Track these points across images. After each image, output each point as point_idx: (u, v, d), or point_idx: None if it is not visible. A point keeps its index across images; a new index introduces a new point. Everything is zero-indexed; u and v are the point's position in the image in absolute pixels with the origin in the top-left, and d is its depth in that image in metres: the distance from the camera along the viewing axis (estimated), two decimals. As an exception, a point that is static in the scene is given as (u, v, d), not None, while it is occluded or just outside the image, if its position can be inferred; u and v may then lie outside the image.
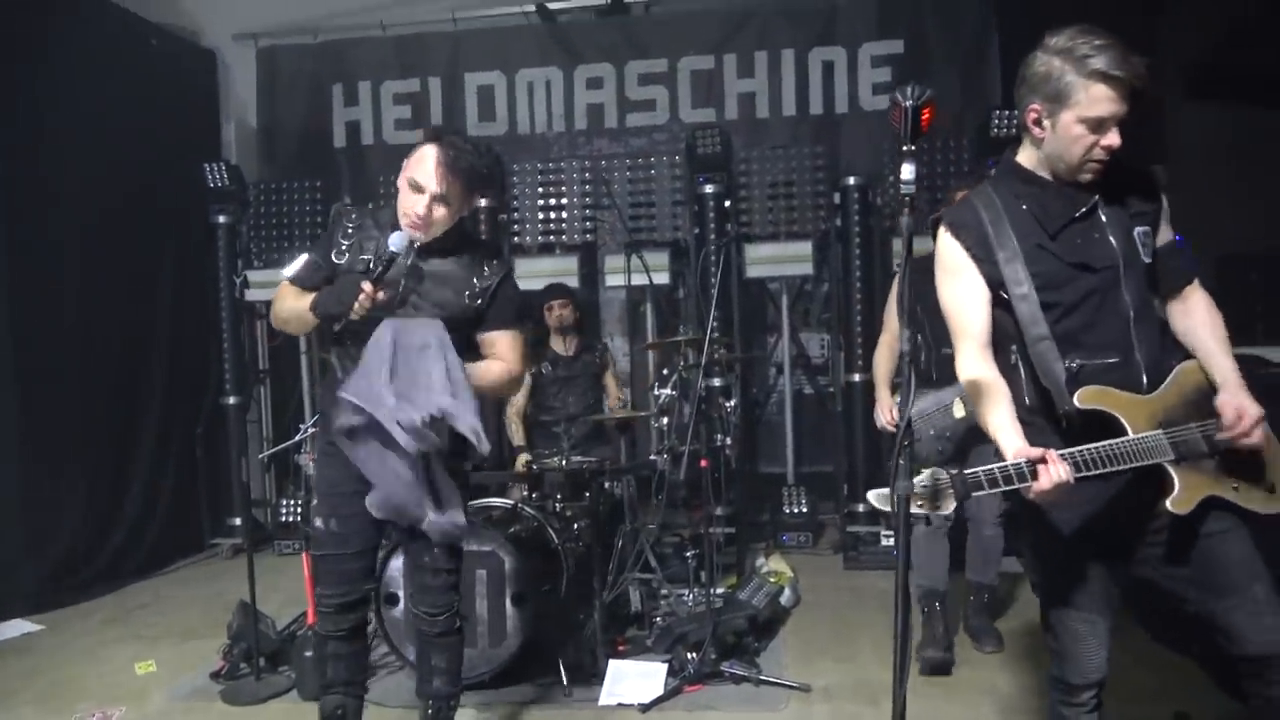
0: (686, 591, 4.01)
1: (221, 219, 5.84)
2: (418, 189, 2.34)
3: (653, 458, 3.95)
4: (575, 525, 3.95)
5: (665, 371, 4.18)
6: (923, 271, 3.35)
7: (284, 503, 5.77)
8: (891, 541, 4.28)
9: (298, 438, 3.66)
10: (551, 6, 6.41)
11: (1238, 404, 1.90)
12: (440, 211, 2.36)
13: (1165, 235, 2.02)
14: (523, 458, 4.59)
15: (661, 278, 5.49)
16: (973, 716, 3.11)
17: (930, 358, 3.40)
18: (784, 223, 5.48)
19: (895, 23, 6.06)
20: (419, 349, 2.33)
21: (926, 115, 1.60)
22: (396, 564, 3.28)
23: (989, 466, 1.76)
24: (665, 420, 4.03)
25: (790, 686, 3.32)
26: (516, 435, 4.79)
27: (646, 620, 3.87)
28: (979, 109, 5.48)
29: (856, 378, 5.24)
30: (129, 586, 5.09)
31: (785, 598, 4.18)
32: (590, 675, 3.42)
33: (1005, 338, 1.98)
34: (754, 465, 5.92)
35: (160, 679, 3.69)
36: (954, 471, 1.73)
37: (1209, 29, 5.54)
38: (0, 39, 4.62)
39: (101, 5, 5.33)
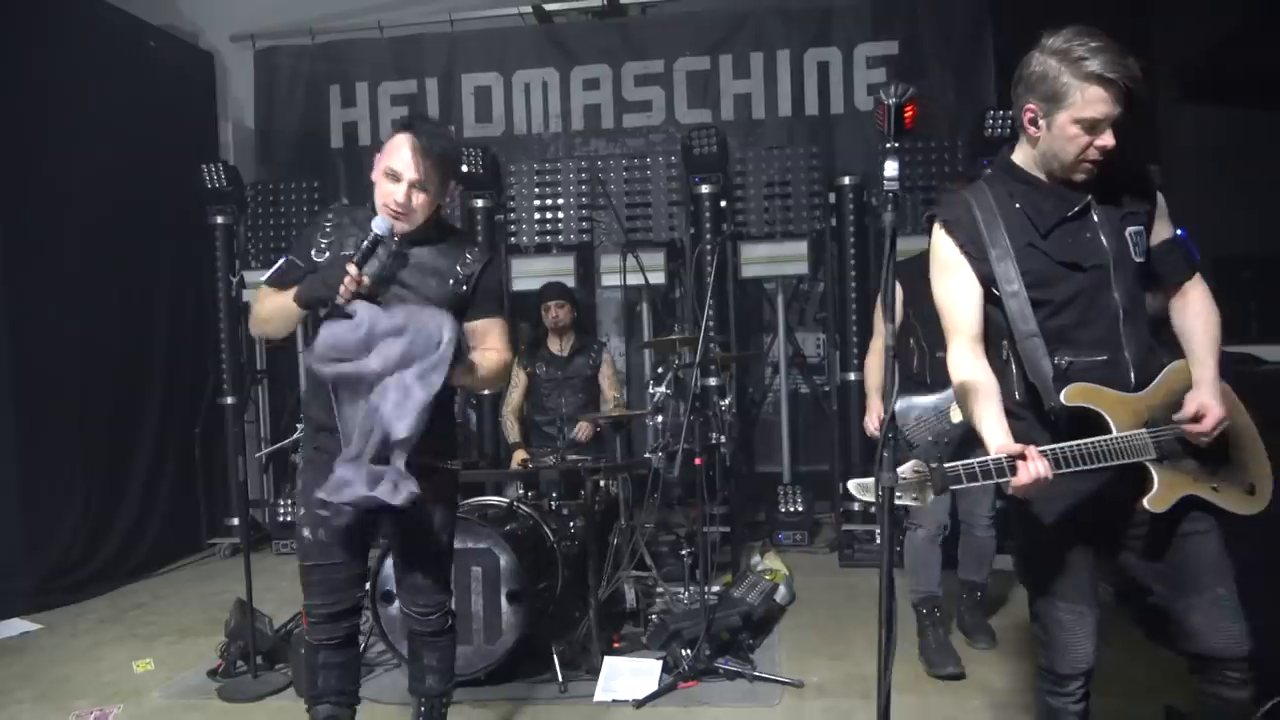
0: (682, 589, 4.04)
1: (219, 220, 5.85)
2: (395, 177, 2.33)
3: (647, 456, 3.96)
4: (571, 523, 3.97)
5: (660, 370, 4.20)
6: (918, 275, 3.39)
7: (281, 502, 5.79)
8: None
9: (295, 437, 3.67)
10: (548, 8, 6.44)
11: (1201, 401, 1.93)
12: (420, 198, 2.35)
13: (1164, 232, 2.04)
14: (519, 455, 4.62)
15: (657, 278, 5.52)
16: (966, 712, 3.13)
17: (925, 361, 3.41)
18: (779, 222, 5.50)
19: (890, 24, 6.10)
20: (394, 334, 2.23)
21: (910, 113, 1.62)
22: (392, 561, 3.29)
23: (969, 461, 1.80)
24: (660, 419, 4.05)
25: (784, 682, 3.35)
26: (512, 433, 4.81)
27: (642, 617, 3.89)
28: (974, 109, 5.50)
29: (852, 377, 5.26)
30: (127, 586, 5.11)
31: (780, 595, 4.21)
32: (585, 672, 3.44)
33: (997, 334, 2.01)
34: (750, 465, 5.93)
35: (158, 677, 3.70)
36: (934, 465, 1.76)
37: (1202, 31, 5.56)
38: (-2, 40, 4.65)
39: (99, 7, 5.35)
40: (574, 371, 4.78)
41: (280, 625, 3.75)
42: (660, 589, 4.11)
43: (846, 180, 5.33)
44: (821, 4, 6.20)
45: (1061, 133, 1.86)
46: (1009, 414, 1.93)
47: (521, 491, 4.26)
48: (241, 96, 6.75)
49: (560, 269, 5.53)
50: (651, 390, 4.11)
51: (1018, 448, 1.80)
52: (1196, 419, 1.92)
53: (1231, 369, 2.08)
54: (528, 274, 5.62)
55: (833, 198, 5.38)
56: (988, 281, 1.97)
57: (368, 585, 3.03)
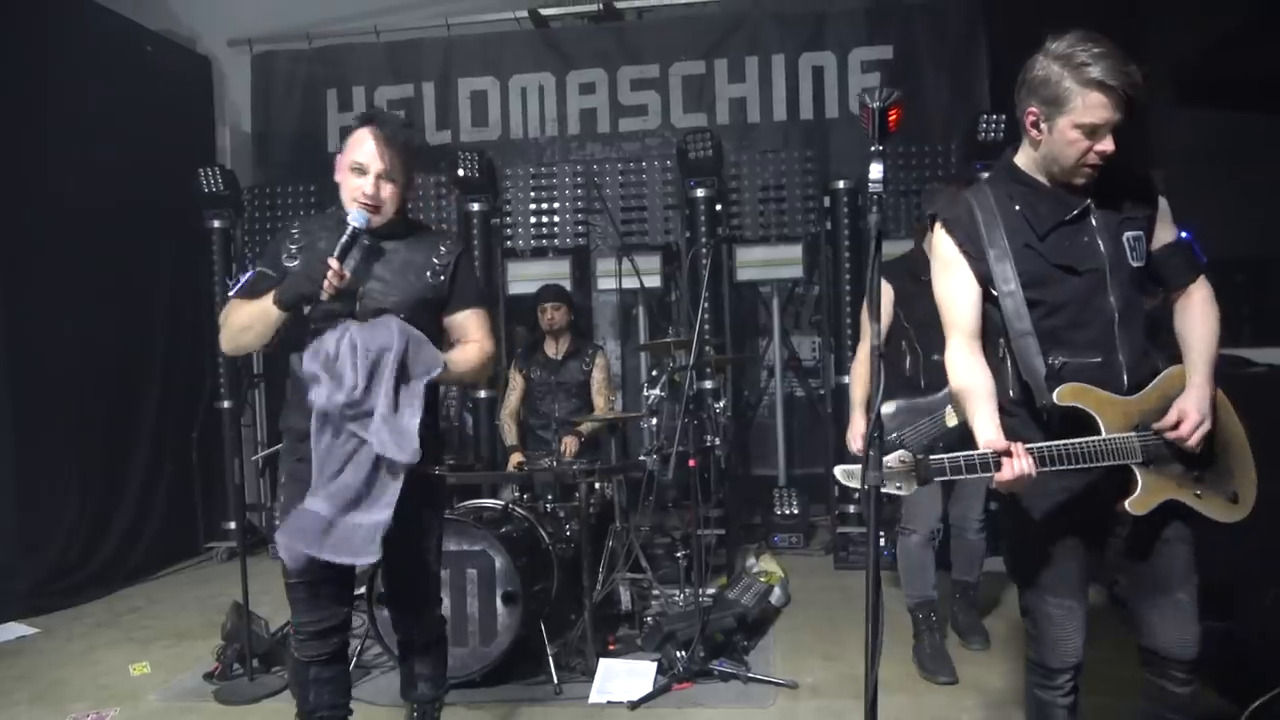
0: (677, 592, 4.05)
1: (216, 223, 5.87)
2: (361, 170, 2.32)
3: (642, 459, 3.97)
4: (566, 526, 3.98)
5: (655, 373, 4.21)
6: (907, 278, 3.40)
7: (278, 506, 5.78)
8: (883, 542, 4.31)
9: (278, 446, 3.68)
10: (544, 12, 6.46)
11: (1181, 408, 1.96)
12: (388, 188, 2.34)
13: (1166, 236, 2.06)
14: (515, 458, 4.63)
15: (653, 281, 5.54)
16: (959, 712, 3.14)
17: (919, 364, 3.42)
18: (774, 226, 5.53)
19: (884, 28, 6.12)
20: (380, 355, 2.25)
21: (894, 116, 1.65)
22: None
23: (954, 454, 1.83)
24: (654, 421, 4.06)
25: (778, 683, 3.36)
26: (509, 436, 4.82)
27: (637, 619, 3.91)
28: (967, 113, 5.52)
29: (847, 380, 5.23)
30: (124, 589, 5.11)
31: (775, 597, 4.22)
32: (580, 673, 3.46)
33: (995, 332, 2.04)
34: (746, 467, 5.96)
35: (154, 680, 3.71)
36: (920, 456, 1.79)
37: (1195, 34, 5.58)
38: (-4, 45, 4.67)
39: (98, 12, 5.37)
40: (566, 376, 4.77)
41: (276, 628, 3.76)
42: (655, 591, 4.12)
43: (841, 184, 5.36)
44: (816, 8, 6.22)
45: (1062, 137, 1.89)
46: (1003, 411, 1.96)
47: (517, 494, 4.28)
48: (239, 101, 6.77)
49: (556, 272, 5.55)
50: (646, 393, 4.12)
51: (1005, 444, 1.83)
52: (1176, 425, 1.95)
53: (1223, 371, 2.09)
54: (524, 277, 5.64)
55: (827, 201, 5.40)
56: (985, 280, 2.00)
57: (357, 593, 3.03)
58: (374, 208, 2.33)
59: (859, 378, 3.58)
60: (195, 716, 3.37)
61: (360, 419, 2.22)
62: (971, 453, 1.84)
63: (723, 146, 5.48)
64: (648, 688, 3.30)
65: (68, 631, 4.43)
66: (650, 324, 5.89)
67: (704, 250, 4.93)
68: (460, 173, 5.49)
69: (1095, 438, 1.90)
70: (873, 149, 1.68)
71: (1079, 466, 1.89)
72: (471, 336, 2.49)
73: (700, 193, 5.35)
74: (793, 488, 5.53)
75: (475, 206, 5.68)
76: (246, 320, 2.36)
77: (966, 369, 1.99)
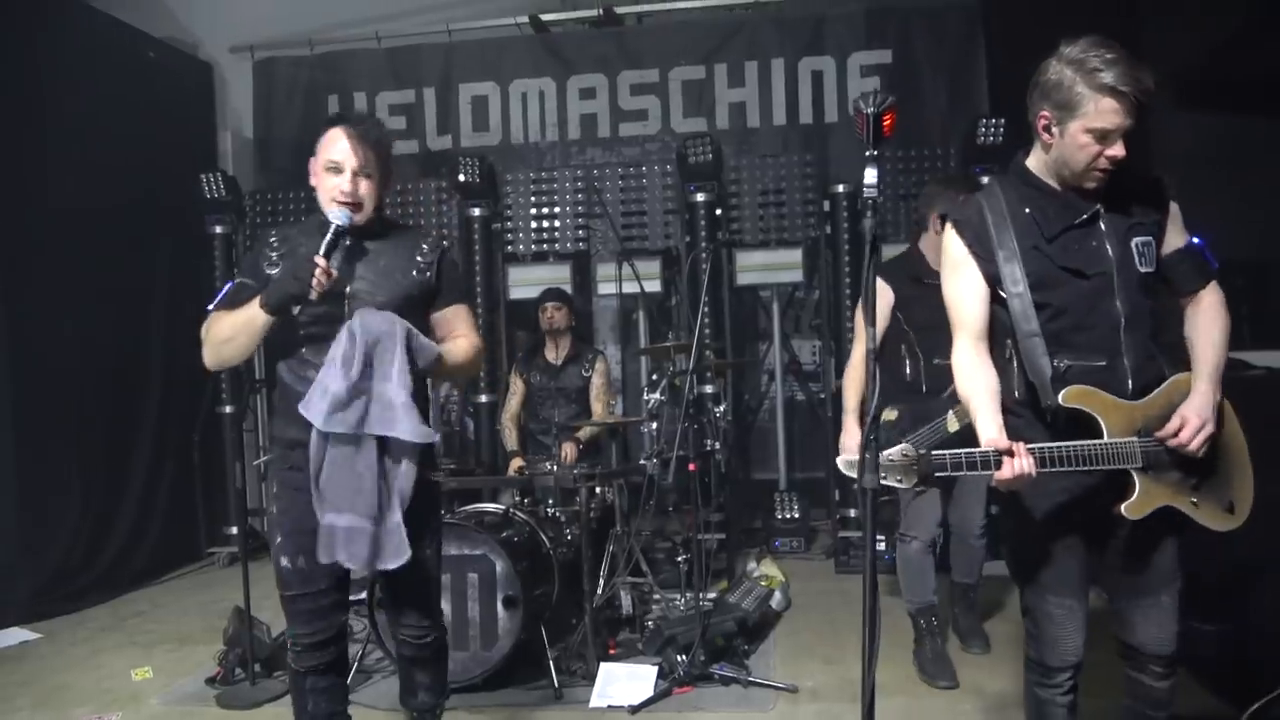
0: (678, 596, 4.05)
1: (217, 229, 5.88)
2: (338, 169, 2.31)
3: (643, 463, 3.98)
4: (567, 530, 3.99)
5: (655, 377, 4.22)
6: (905, 281, 3.41)
7: (280, 511, 5.79)
8: (883, 546, 4.32)
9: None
10: (544, 18, 6.48)
11: (1182, 414, 1.97)
12: (365, 185, 2.33)
13: (1176, 241, 2.08)
14: (516, 462, 4.64)
15: (653, 285, 5.55)
16: (957, 715, 3.15)
17: (919, 368, 3.41)
18: (774, 230, 5.53)
19: (883, 32, 6.13)
20: (378, 339, 2.24)
21: (888, 121, 1.67)
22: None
23: (955, 450, 1.84)
24: (655, 425, 4.07)
25: (778, 687, 3.37)
26: (510, 440, 4.83)
27: (638, 623, 3.91)
28: (966, 117, 5.53)
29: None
30: (126, 594, 5.12)
31: (775, 601, 4.23)
32: (581, 678, 3.46)
33: (1002, 332, 2.06)
34: (746, 471, 5.96)
35: (157, 685, 3.72)
36: (923, 451, 1.80)
37: (1195, 36, 5.59)
38: (-2, 51, 4.69)
39: (99, 18, 5.39)
40: (566, 381, 4.77)
41: (278, 633, 3.75)
42: (656, 595, 4.13)
43: (841, 188, 5.36)
44: (815, 13, 6.24)
45: (1073, 141, 1.91)
46: (1008, 411, 1.98)
47: (518, 498, 4.29)
48: (240, 107, 6.79)
49: (556, 277, 5.56)
50: (646, 397, 4.13)
51: (1006, 443, 1.85)
52: (1177, 433, 1.96)
53: (1223, 374, 2.10)
54: (524, 282, 5.65)
55: (827, 205, 5.41)
56: (994, 281, 2.02)
57: (355, 599, 3.03)
58: (354, 205, 2.33)
59: (852, 383, 3.41)
60: (197, 721, 3.38)
61: (359, 397, 2.21)
62: (973, 450, 1.86)
63: (722, 151, 5.49)
64: (648, 692, 3.30)
65: (70, 636, 4.44)
66: (650, 328, 5.90)
67: (704, 254, 4.94)
68: (461, 178, 5.51)
69: (1097, 441, 1.91)
70: (868, 154, 1.70)
71: (1080, 469, 1.90)
72: (459, 331, 2.49)
73: (700, 197, 5.36)
74: (793, 492, 5.53)
75: (476, 211, 5.69)
76: (230, 331, 2.32)
77: (972, 369, 2.01)
